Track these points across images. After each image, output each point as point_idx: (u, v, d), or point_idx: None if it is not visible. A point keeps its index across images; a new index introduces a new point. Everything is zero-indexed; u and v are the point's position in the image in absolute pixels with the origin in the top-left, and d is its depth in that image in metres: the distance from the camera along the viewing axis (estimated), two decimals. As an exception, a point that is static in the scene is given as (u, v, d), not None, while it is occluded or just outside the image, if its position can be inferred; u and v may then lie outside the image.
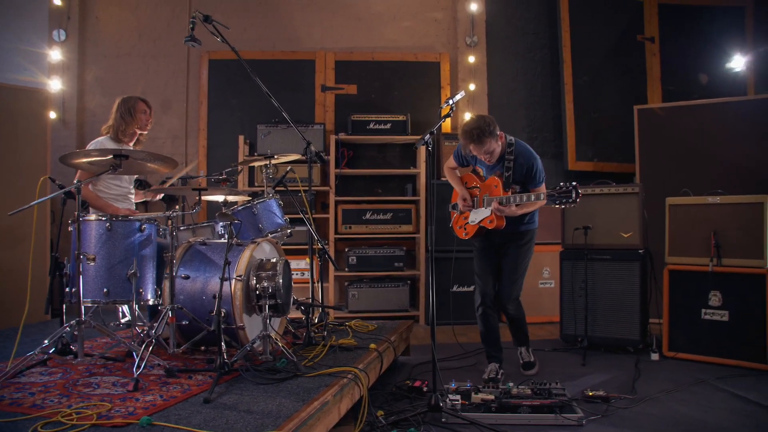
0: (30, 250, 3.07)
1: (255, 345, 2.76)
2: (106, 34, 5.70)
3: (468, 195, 3.53)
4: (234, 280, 2.76)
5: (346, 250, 5.44)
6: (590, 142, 5.68)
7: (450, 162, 3.72)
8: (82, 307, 2.52)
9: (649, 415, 2.84)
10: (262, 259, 2.96)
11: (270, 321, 2.81)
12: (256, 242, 2.98)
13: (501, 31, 5.95)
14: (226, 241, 2.93)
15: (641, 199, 4.09)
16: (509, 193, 3.33)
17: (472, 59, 5.84)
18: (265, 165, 3.70)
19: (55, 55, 5.44)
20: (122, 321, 3.36)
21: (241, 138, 5.44)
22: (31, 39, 5.44)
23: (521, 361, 3.67)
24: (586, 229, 4.12)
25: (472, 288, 5.13)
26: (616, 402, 2.98)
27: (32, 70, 5.39)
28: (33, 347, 2.59)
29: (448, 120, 5.84)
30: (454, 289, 5.35)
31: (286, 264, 2.97)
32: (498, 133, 3.28)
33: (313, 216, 5.44)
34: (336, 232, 5.43)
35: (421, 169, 5.53)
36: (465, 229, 3.55)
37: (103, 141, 3.56)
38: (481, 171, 3.57)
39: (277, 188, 3.74)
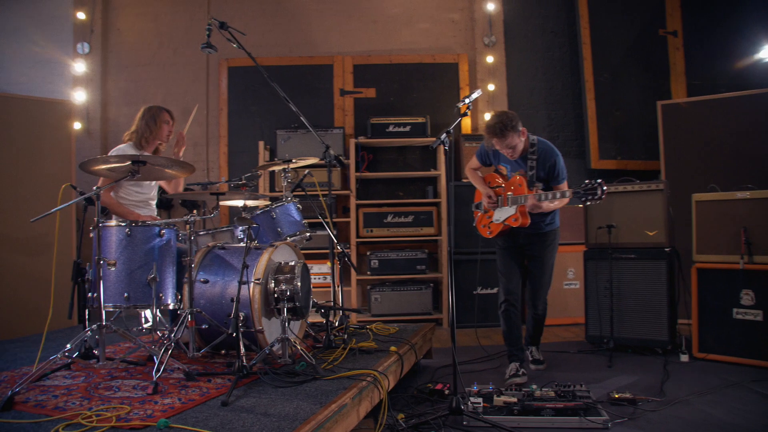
0: (54, 257, 3.12)
1: (274, 348, 2.75)
2: (128, 45, 5.82)
3: (492, 193, 3.56)
4: (252, 283, 2.76)
5: (368, 253, 5.44)
6: (613, 139, 5.58)
7: (473, 162, 3.75)
8: (103, 312, 2.55)
9: (677, 418, 2.75)
10: (281, 263, 2.96)
11: (289, 324, 2.80)
12: (274, 246, 2.99)
13: (519, 30, 5.90)
14: (244, 245, 2.93)
15: (666, 196, 3.98)
16: (534, 191, 3.34)
17: (490, 59, 5.79)
18: (284, 169, 3.71)
19: (80, 67, 5.57)
20: (145, 326, 3.39)
21: (261, 144, 5.48)
22: (57, 53, 5.58)
23: (531, 358, 3.76)
24: (610, 227, 4.04)
25: (496, 290, 5.07)
26: (643, 404, 2.90)
27: (57, 82, 5.53)
28: (58, 352, 2.63)
29: (468, 121, 5.80)
30: (479, 291, 5.29)
31: (305, 267, 2.96)
32: (520, 128, 3.32)
33: (335, 220, 5.50)
34: (357, 236, 5.43)
35: (442, 171, 5.50)
36: (489, 228, 3.57)
37: (124, 148, 3.61)
38: (505, 170, 3.57)
39: (297, 193, 3.75)
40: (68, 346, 2.48)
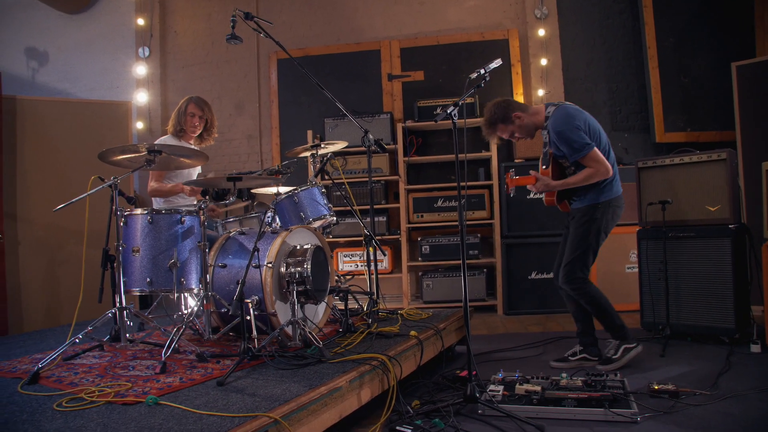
0: (84, 245, 3.34)
1: (287, 331, 2.76)
2: (184, 46, 6.09)
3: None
4: (265, 266, 2.78)
5: (419, 239, 5.35)
6: (681, 110, 5.07)
7: None
8: (123, 296, 2.68)
9: (724, 414, 2.43)
10: (295, 246, 2.96)
11: (300, 307, 2.80)
12: (289, 229, 2.99)
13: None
14: (266, 230, 2.97)
15: (731, 167, 3.55)
16: (548, 170, 3.17)
17: (542, 32, 5.47)
18: (312, 154, 3.73)
19: (141, 70, 5.91)
20: (185, 311, 3.53)
21: (309, 133, 5.54)
22: (120, 58, 5.97)
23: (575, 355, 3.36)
24: (664, 203, 3.66)
25: (551, 275, 4.82)
26: (687, 398, 2.60)
27: (123, 86, 5.92)
28: (102, 335, 2.83)
29: (520, 99, 5.51)
30: (533, 276, 5.07)
31: (318, 250, 2.94)
32: (512, 114, 3.19)
33: (385, 206, 5.46)
34: (408, 222, 5.36)
35: (493, 153, 5.28)
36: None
37: (165, 139, 3.78)
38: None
39: (325, 182, 3.75)
40: (89, 327, 2.62)
